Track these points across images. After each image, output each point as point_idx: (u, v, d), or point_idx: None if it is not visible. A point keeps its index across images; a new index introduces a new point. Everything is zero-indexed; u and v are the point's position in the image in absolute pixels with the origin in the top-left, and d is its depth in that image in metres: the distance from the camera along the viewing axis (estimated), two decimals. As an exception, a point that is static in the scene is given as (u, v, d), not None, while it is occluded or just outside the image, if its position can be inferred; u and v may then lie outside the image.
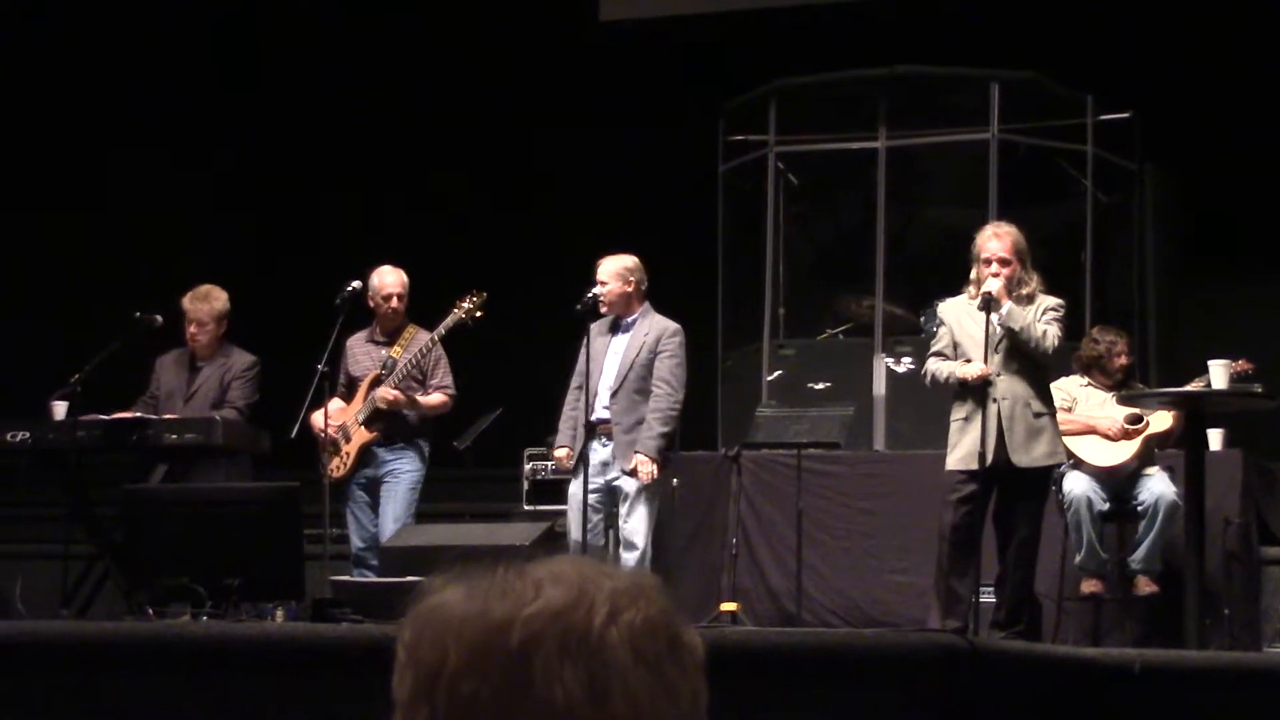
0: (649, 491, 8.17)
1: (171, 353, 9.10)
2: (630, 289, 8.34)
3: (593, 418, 8.24)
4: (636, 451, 8.13)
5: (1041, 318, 7.50)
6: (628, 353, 8.29)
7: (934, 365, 7.72)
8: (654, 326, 8.35)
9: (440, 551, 7.48)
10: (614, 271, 8.35)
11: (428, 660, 1.39)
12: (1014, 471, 7.45)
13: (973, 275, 7.65)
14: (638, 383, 8.24)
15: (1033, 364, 7.55)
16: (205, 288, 8.99)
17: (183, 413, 8.78)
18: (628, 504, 8.16)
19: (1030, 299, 7.57)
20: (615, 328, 8.36)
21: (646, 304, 8.43)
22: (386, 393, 8.56)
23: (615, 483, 8.22)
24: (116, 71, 12.57)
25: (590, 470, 8.22)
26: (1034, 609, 7.82)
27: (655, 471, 8.14)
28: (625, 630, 1.37)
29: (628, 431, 8.20)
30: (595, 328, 8.42)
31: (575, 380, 8.43)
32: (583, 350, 8.31)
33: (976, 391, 7.43)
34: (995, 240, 7.61)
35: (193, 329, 8.92)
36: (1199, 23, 11.07)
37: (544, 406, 8.73)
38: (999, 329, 7.49)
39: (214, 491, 8.15)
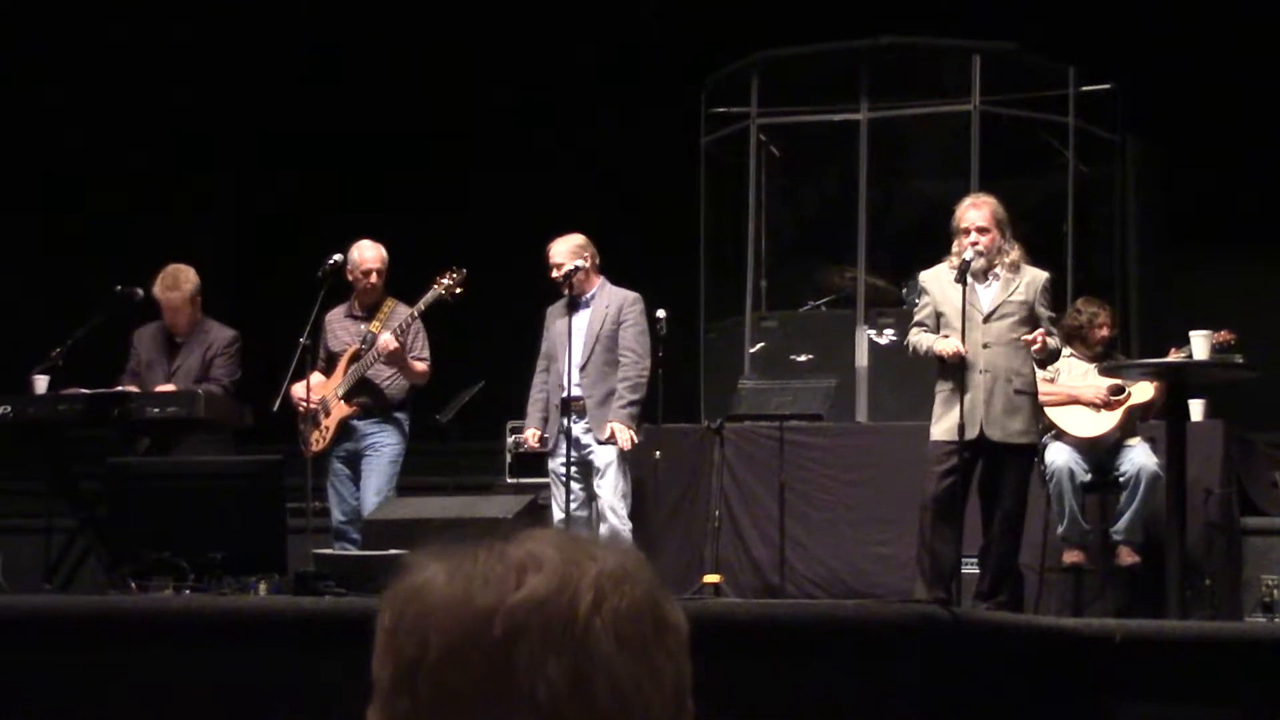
0: (622, 462, 8.22)
1: (150, 326, 9.05)
2: (586, 264, 8.37)
3: (564, 395, 8.31)
4: (611, 420, 8.20)
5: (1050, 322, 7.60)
6: (591, 326, 8.36)
7: (914, 337, 7.75)
8: (613, 298, 8.42)
9: (422, 524, 7.49)
10: (567, 251, 8.39)
11: (408, 650, 1.37)
12: (996, 444, 7.47)
13: (954, 248, 7.67)
14: (605, 355, 8.33)
15: (1021, 340, 7.57)
16: (172, 272, 8.87)
17: (163, 388, 8.75)
18: (601, 476, 8.23)
19: (1015, 268, 7.60)
20: (574, 306, 8.39)
21: (602, 278, 8.50)
22: (388, 342, 8.52)
23: (589, 456, 8.28)
24: (103, 51, 12.52)
25: (568, 445, 8.26)
26: (1016, 580, 7.84)
27: (632, 437, 8.20)
28: (610, 617, 1.36)
29: (600, 404, 8.29)
30: (553, 311, 8.51)
31: (541, 364, 8.57)
32: (545, 334, 8.52)
33: (960, 363, 7.44)
34: (974, 210, 7.65)
35: (168, 315, 8.88)
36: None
37: (526, 380, 8.73)
38: (980, 304, 7.52)
39: (196, 465, 8.12)
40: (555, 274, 8.37)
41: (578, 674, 1.34)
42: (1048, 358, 7.71)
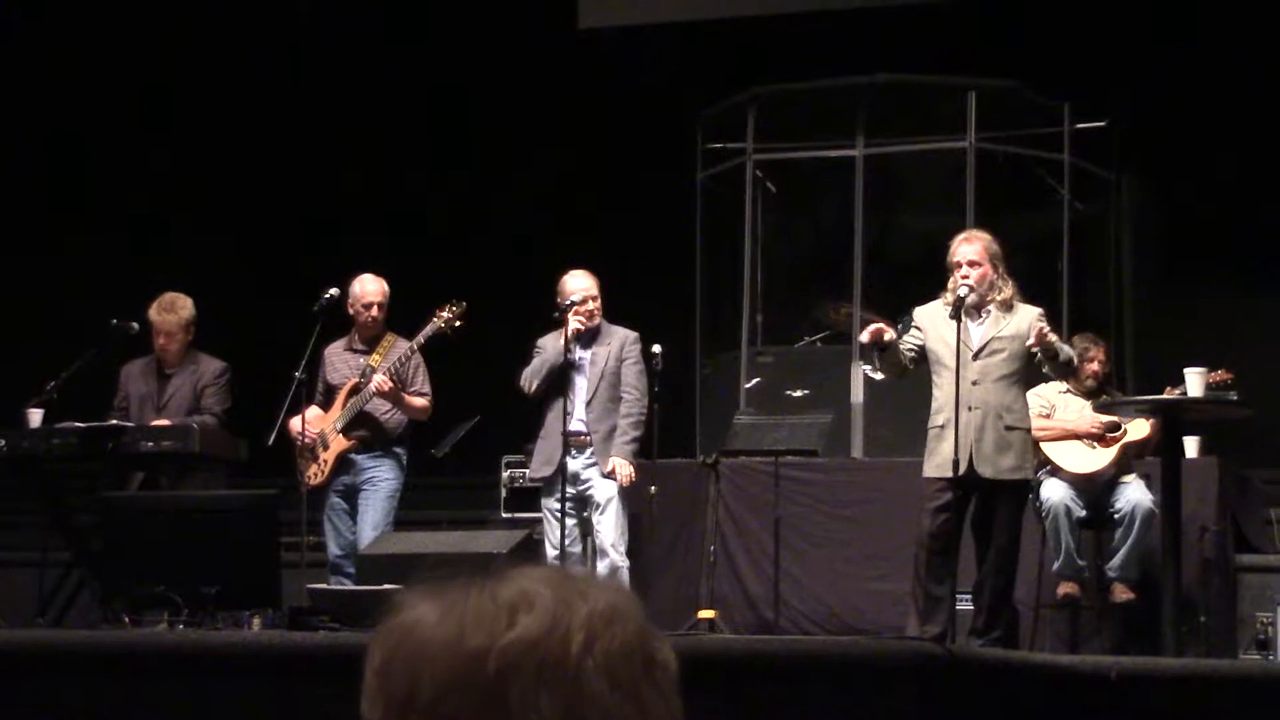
0: (620, 498, 8.24)
1: (137, 362, 9.04)
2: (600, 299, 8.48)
3: (563, 429, 8.29)
4: (613, 455, 8.24)
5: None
6: (596, 362, 8.40)
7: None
8: (615, 336, 8.51)
9: (418, 559, 7.47)
10: (595, 286, 8.41)
11: (398, 691, 1.37)
12: (989, 480, 7.45)
13: (949, 284, 7.66)
14: (610, 390, 8.40)
15: (1013, 376, 7.56)
16: (170, 297, 8.90)
17: (156, 421, 8.74)
18: (601, 512, 8.23)
19: (1008, 306, 7.58)
20: (577, 341, 8.39)
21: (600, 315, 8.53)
22: (383, 382, 8.53)
23: (588, 492, 8.29)
24: (93, 78, 12.54)
25: (563, 481, 8.26)
26: (1011, 616, 7.82)
27: (633, 474, 8.22)
28: (601, 657, 1.36)
29: (605, 438, 8.36)
30: (547, 340, 8.47)
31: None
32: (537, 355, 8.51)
33: (952, 400, 7.43)
34: (967, 244, 7.66)
35: (161, 340, 8.87)
36: (1175, 32, 11.10)
37: (522, 415, 8.73)
38: (970, 341, 7.52)
39: (191, 499, 8.12)
40: (592, 306, 8.37)
41: (570, 713, 1.34)
42: (1059, 361, 7.56)
